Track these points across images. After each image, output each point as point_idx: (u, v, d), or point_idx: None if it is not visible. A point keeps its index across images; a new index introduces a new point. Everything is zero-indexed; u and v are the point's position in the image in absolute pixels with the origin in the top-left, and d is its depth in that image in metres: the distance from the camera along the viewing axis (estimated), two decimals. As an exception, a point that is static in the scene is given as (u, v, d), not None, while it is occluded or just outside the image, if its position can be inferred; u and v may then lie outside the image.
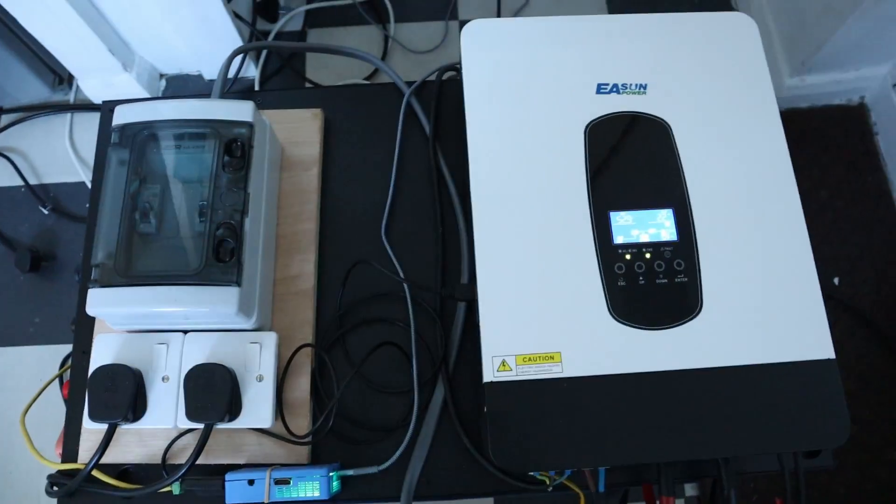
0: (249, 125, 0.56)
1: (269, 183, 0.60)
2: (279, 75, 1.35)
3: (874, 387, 1.16)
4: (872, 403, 1.15)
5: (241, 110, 0.56)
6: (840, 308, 1.16)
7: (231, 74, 1.25)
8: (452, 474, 0.57)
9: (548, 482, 0.51)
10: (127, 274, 0.52)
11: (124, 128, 0.56)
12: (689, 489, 1.13)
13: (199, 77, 1.30)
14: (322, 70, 1.36)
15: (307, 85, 1.34)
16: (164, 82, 1.32)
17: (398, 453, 0.55)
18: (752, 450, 0.48)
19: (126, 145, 0.55)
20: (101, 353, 0.55)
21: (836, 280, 1.17)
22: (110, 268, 0.52)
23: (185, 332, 0.56)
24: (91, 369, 0.53)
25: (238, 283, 0.52)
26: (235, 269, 0.52)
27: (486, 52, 0.59)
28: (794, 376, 0.50)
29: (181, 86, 1.30)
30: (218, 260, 0.52)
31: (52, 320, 1.23)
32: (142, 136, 0.56)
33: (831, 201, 1.18)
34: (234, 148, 0.55)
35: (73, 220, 1.28)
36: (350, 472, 0.55)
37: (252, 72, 1.34)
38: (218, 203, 0.54)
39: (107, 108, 0.70)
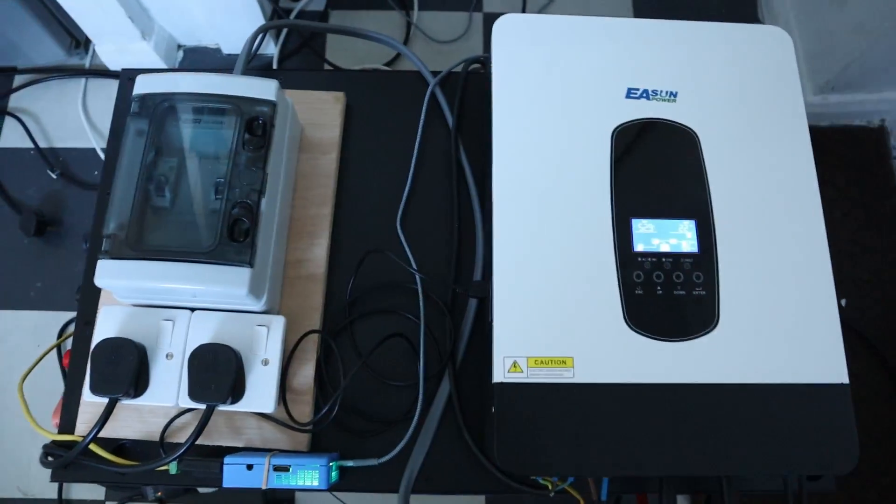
0: (272, 104, 0.55)
1: (287, 164, 0.59)
2: (298, 55, 1.34)
3: (872, 411, 1.15)
4: (868, 428, 1.14)
5: (264, 88, 0.55)
6: (844, 330, 1.15)
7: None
8: (453, 471, 0.56)
9: (550, 487, 0.50)
10: (138, 247, 0.51)
11: (144, 98, 0.55)
12: (681, 500, 1.12)
13: (218, 50, 1.29)
14: (342, 53, 1.35)
15: (326, 67, 1.32)
16: (181, 53, 1.30)
17: (399, 447, 0.55)
18: (758, 469, 0.48)
19: (145, 116, 0.54)
20: (106, 326, 0.54)
21: (843, 302, 1.16)
22: (122, 239, 0.51)
23: (193, 309, 0.55)
24: (95, 341, 0.52)
25: (251, 264, 0.51)
26: (249, 250, 0.51)
27: (516, 47, 0.58)
28: (806, 398, 0.49)
29: (199, 59, 1.29)
30: (232, 239, 0.51)
31: (54, 286, 1.22)
32: (161, 108, 0.55)
33: (844, 223, 1.17)
34: (256, 126, 0.54)
35: (81, 186, 1.27)
36: (350, 464, 0.55)
37: (271, 49, 1.32)
38: (235, 181, 0.53)
39: (126, 77, 0.69)
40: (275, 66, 1.25)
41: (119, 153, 0.54)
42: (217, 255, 0.51)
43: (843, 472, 0.49)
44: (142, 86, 0.55)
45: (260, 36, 0.66)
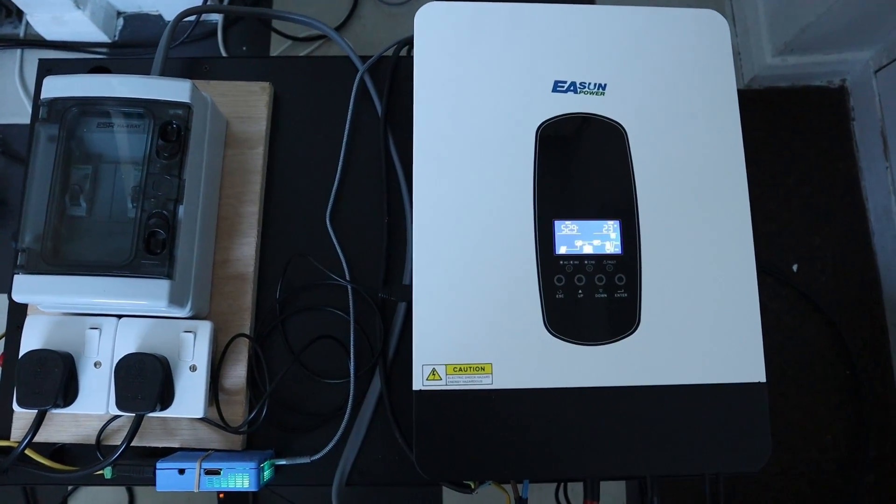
0: (187, 106, 0.53)
1: (209, 163, 0.57)
2: (244, 20, 1.28)
3: (818, 373, 1.19)
4: (813, 390, 1.18)
5: (178, 90, 0.53)
6: (795, 295, 1.18)
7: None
8: (386, 464, 0.58)
9: (473, 486, 0.52)
10: (54, 261, 0.50)
11: (53, 102, 0.53)
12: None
13: (159, 17, 1.23)
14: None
15: (273, 32, 1.27)
16: (121, 21, 1.24)
17: (330, 445, 0.56)
18: (677, 470, 0.49)
19: (55, 121, 0.52)
20: (32, 337, 0.54)
21: (794, 267, 1.18)
22: (37, 253, 0.50)
23: (119, 316, 0.55)
24: (21, 353, 0.52)
25: (170, 276, 0.50)
26: (167, 262, 0.50)
27: (439, 38, 0.56)
28: (723, 398, 0.50)
29: (140, 25, 1.23)
30: (149, 251, 0.50)
31: (3, 266, 1.20)
32: (72, 113, 0.53)
33: (799, 187, 1.17)
34: (170, 131, 0.53)
35: (24, 163, 1.23)
36: (283, 462, 0.56)
37: (216, 15, 1.26)
38: (150, 191, 0.51)
39: (44, 68, 0.66)
40: (219, 34, 1.19)
41: (30, 161, 0.52)
42: (134, 268, 0.50)
43: (753, 470, 0.50)
44: (50, 89, 0.53)
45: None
